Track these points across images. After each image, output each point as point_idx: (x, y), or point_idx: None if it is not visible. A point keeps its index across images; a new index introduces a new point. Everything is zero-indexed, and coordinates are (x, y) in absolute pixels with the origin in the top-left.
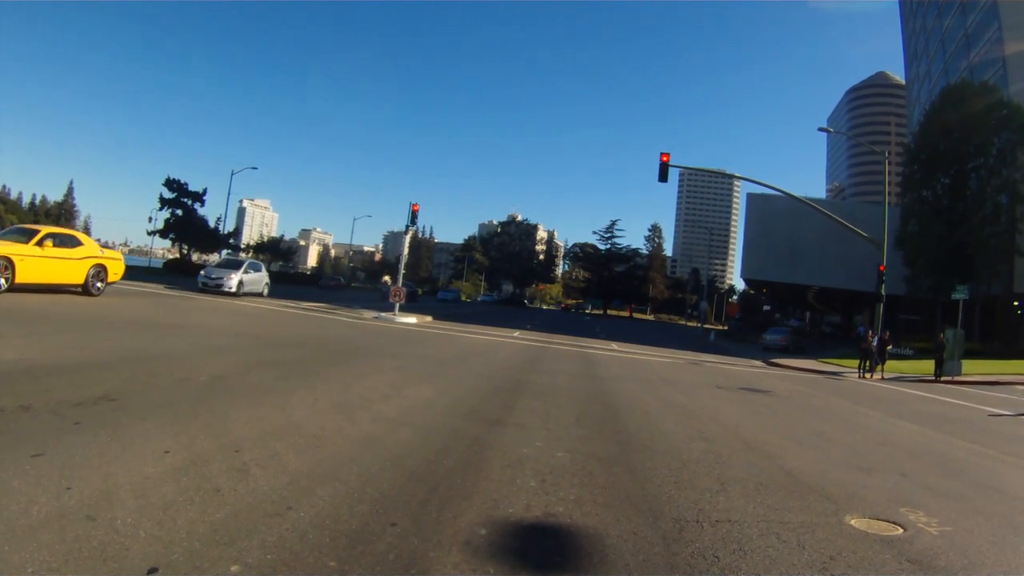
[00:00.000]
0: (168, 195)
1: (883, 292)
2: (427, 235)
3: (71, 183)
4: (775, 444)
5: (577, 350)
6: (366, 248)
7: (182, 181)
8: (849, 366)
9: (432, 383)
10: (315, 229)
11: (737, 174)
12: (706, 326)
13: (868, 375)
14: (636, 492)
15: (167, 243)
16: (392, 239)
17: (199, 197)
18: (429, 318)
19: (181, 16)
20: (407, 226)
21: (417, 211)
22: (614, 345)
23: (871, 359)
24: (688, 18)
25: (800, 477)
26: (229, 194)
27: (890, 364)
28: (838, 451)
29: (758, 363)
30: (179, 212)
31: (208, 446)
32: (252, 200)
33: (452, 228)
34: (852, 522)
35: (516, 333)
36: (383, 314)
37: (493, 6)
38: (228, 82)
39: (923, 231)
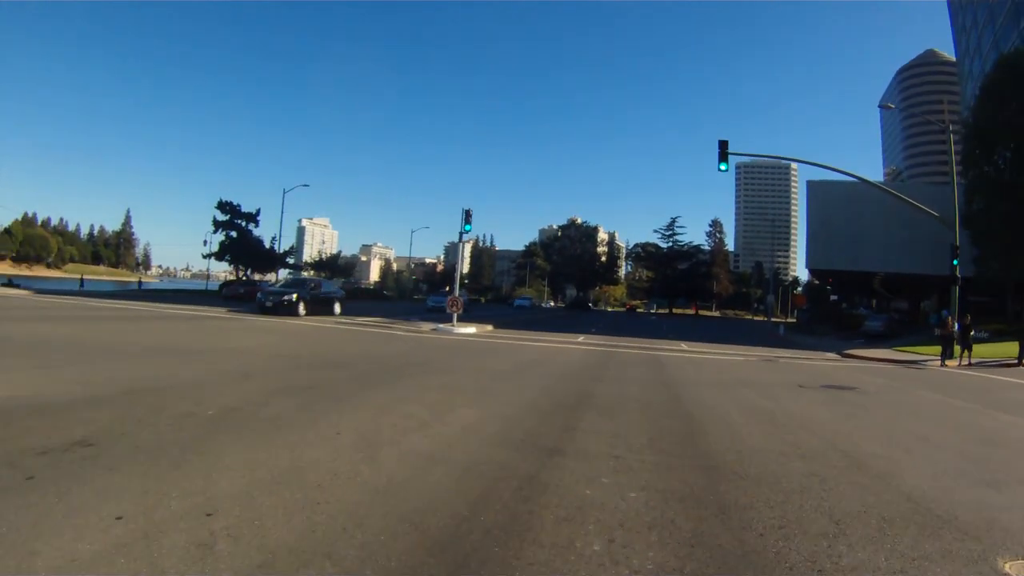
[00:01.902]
0: (222, 217)
1: (958, 273)
2: (488, 243)
3: (128, 211)
4: (881, 456)
5: (645, 353)
6: (427, 260)
7: (235, 203)
8: (926, 353)
9: (481, 403)
10: (376, 244)
11: (795, 158)
12: (774, 319)
13: (950, 362)
14: (734, 547)
15: (225, 266)
16: (452, 249)
17: (253, 218)
18: (490, 327)
19: (224, 41)
20: (461, 232)
21: (471, 215)
22: (683, 345)
23: (952, 345)
24: (735, 14)
25: (924, 502)
26: (283, 212)
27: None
28: (951, 459)
29: (833, 356)
30: (233, 234)
31: (176, 508)
32: (311, 219)
33: (513, 235)
34: (1007, 568)
35: (580, 338)
36: (441, 326)
37: (542, 8)
38: (284, 102)
39: (988, 209)
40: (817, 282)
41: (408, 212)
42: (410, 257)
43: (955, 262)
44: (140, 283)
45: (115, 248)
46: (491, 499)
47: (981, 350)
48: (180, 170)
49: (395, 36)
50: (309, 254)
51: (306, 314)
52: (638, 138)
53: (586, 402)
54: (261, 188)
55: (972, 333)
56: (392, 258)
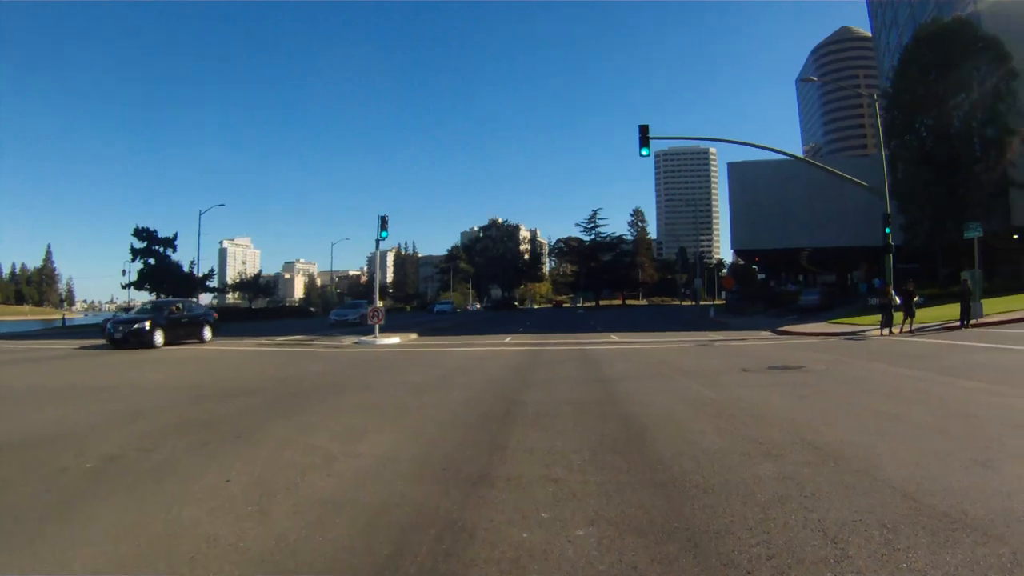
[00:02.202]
0: (139, 245)
1: (891, 241)
2: (410, 250)
3: (48, 247)
4: (853, 444)
5: (575, 348)
6: (351, 272)
7: (152, 229)
8: (863, 323)
9: (399, 424)
10: (298, 261)
11: (717, 138)
12: (702, 303)
13: (894, 330)
14: None
15: (147, 295)
16: (374, 259)
17: (170, 243)
18: (414, 336)
19: (126, 64)
20: (378, 240)
21: (387, 222)
22: (613, 337)
23: (891, 313)
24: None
25: (922, 498)
26: (199, 235)
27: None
28: (929, 438)
29: (768, 333)
30: (151, 261)
31: None
32: (232, 240)
33: (435, 241)
34: None
35: (507, 339)
36: (363, 339)
37: (448, 7)
38: (196, 123)
39: (912, 177)
40: (742, 262)
41: (330, 226)
42: (331, 271)
43: (887, 230)
44: (64, 320)
45: (37, 286)
46: (404, 556)
47: (920, 315)
48: (97, 200)
49: (300, 43)
50: (232, 275)
51: (164, 343)
52: (555, 133)
53: (516, 411)
54: (181, 213)
55: (916, 300)
56: (315, 273)
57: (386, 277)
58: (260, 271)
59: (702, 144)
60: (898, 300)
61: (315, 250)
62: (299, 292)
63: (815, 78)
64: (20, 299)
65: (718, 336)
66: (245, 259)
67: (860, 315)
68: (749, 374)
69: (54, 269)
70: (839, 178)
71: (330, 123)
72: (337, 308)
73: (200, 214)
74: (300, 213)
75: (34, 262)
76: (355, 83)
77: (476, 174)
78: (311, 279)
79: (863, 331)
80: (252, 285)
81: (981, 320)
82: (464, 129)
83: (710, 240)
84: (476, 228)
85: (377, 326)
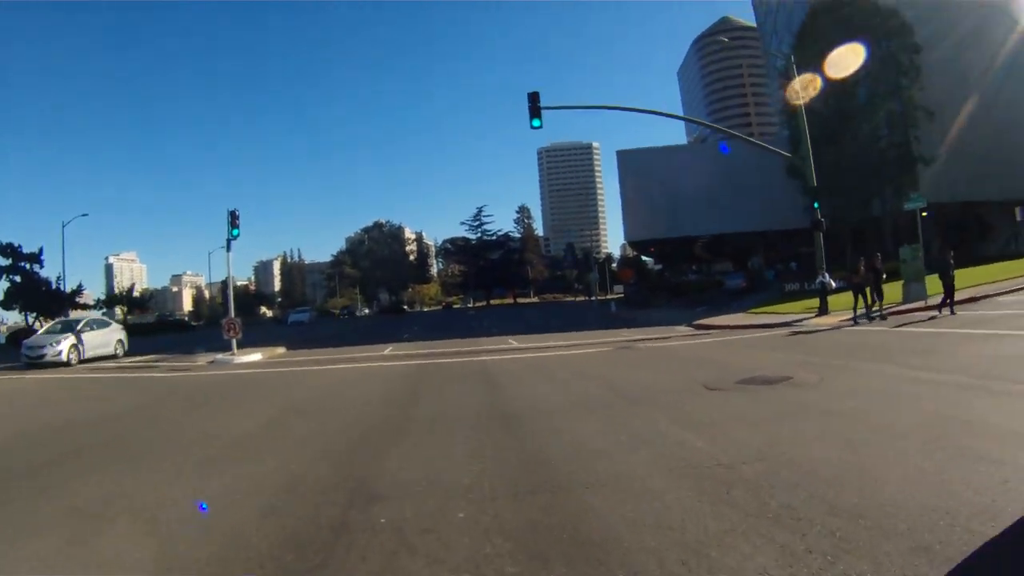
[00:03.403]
0: (3, 262)
1: (820, 217)
2: (296, 258)
3: None
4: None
5: (469, 361)
6: (239, 282)
7: (15, 244)
8: (789, 312)
9: (165, 534)
10: (186, 273)
11: (611, 105)
12: (599, 298)
13: (829, 317)
14: None
15: (15, 315)
16: (262, 268)
17: (36, 258)
18: (281, 350)
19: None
20: (228, 239)
21: (237, 217)
22: (512, 341)
23: (826, 297)
24: None
25: None
26: (64, 247)
27: (836, 301)
28: None
29: (687, 329)
30: (17, 278)
31: None
32: (118, 255)
33: (321, 247)
34: None
35: (387, 349)
36: (220, 356)
37: (313, 7)
38: (58, 130)
39: (816, 155)
40: (634, 254)
41: (215, 238)
42: (209, 283)
43: (816, 205)
44: None
45: None
46: None
47: (844, 300)
48: None
49: (159, 44)
50: (120, 291)
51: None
52: (434, 132)
53: (378, 499)
54: (51, 228)
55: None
56: (203, 285)
57: (274, 286)
58: (133, 284)
59: (584, 140)
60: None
61: (202, 262)
62: (187, 305)
63: (725, 39)
64: None
65: (634, 335)
66: (132, 274)
67: (777, 303)
68: (722, 396)
69: None
70: (732, 163)
71: (207, 136)
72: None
73: (63, 225)
74: (184, 225)
75: None
76: (226, 90)
77: (359, 178)
78: (199, 291)
79: (799, 319)
80: (127, 299)
81: (931, 303)
82: (342, 132)
83: (598, 235)
84: (359, 232)
85: (234, 341)
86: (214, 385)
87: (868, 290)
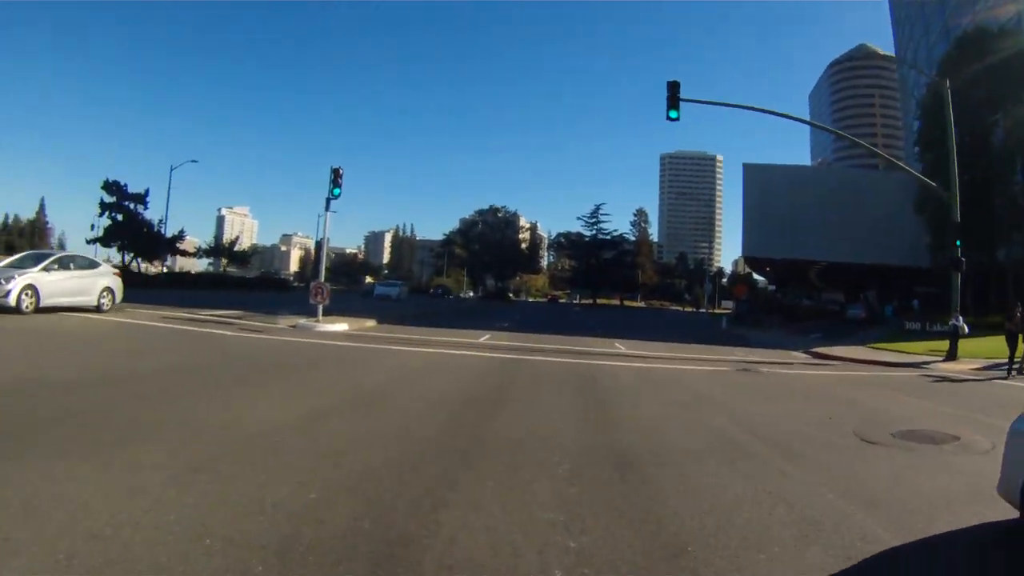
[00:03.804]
0: (108, 199)
1: (960, 255)
2: (408, 233)
3: (42, 200)
4: None
5: (569, 363)
6: (348, 250)
7: (122, 183)
8: (911, 351)
9: None
10: (296, 234)
11: (755, 107)
12: (711, 311)
13: (953, 364)
14: None
15: (114, 253)
16: (372, 239)
17: (141, 199)
18: (371, 322)
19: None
20: (328, 198)
21: (340, 176)
22: (619, 345)
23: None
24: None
25: None
26: (169, 191)
27: (963, 347)
28: None
29: (803, 355)
30: (119, 217)
31: None
32: (231, 208)
33: (434, 225)
34: None
35: (484, 337)
36: (303, 321)
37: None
38: (217, 79)
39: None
40: (747, 272)
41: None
42: (321, 246)
43: (958, 243)
44: None
45: (30, 238)
46: None
47: (971, 347)
48: (92, 155)
49: (312, 19)
50: (226, 241)
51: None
52: (560, 128)
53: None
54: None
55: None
56: (312, 247)
57: (383, 258)
58: (237, 237)
59: (709, 151)
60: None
61: (312, 225)
62: (294, 265)
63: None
64: (10, 250)
65: (750, 356)
66: (243, 228)
67: (898, 340)
68: (886, 454)
69: (46, 222)
70: (856, 191)
71: (337, 104)
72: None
73: (171, 169)
74: (300, 186)
75: (28, 214)
76: (361, 68)
77: (478, 164)
78: (307, 252)
79: (926, 361)
80: (229, 252)
81: None
82: (471, 114)
83: (710, 248)
84: (474, 213)
85: (320, 307)
86: (280, 354)
87: (1021, 338)
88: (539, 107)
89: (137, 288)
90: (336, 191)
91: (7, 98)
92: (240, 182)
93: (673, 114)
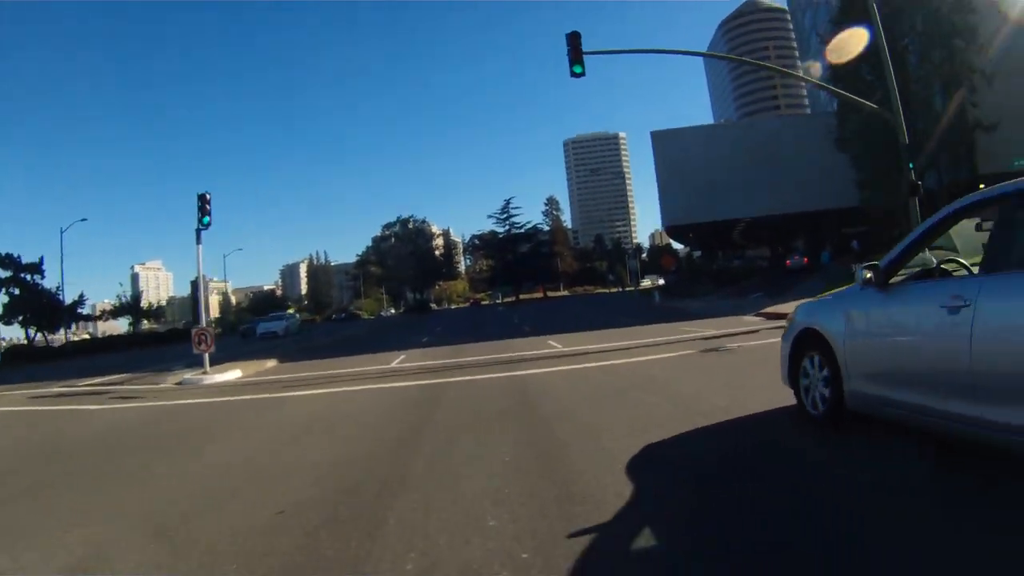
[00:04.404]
0: (3, 274)
1: (913, 177)
2: (323, 260)
3: None
4: None
5: (501, 377)
6: (265, 287)
7: (14, 255)
8: None
9: None
10: (211, 279)
11: (655, 49)
12: (634, 288)
13: None
14: None
15: (16, 328)
16: (288, 272)
17: (37, 268)
18: (271, 363)
19: None
20: (197, 229)
21: (208, 202)
22: (553, 343)
23: None
24: None
25: None
26: (62, 256)
27: None
28: None
29: (758, 320)
30: (15, 291)
31: None
32: (143, 264)
33: (347, 249)
34: None
35: (398, 359)
36: (188, 375)
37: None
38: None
39: (865, 126)
40: (666, 243)
41: (242, 242)
42: (235, 289)
43: (911, 165)
44: None
45: None
46: None
47: None
48: None
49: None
50: (146, 301)
51: None
52: (460, 130)
53: None
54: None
55: None
56: (229, 291)
57: (299, 289)
58: (140, 294)
59: (611, 130)
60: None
61: (226, 268)
62: (215, 311)
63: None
64: None
65: (704, 330)
66: (158, 282)
67: (845, 285)
68: None
69: None
70: (769, 141)
71: (221, 145)
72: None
73: (61, 232)
74: (212, 232)
75: None
76: (245, 95)
77: (385, 180)
78: (225, 297)
79: None
80: (133, 309)
81: None
82: (369, 134)
83: (627, 226)
84: (383, 228)
85: (207, 356)
86: (127, 432)
87: None
88: (431, 112)
89: (38, 362)
90: (205, 219)
91: None
92: (151, 235)
93: (577, 69)
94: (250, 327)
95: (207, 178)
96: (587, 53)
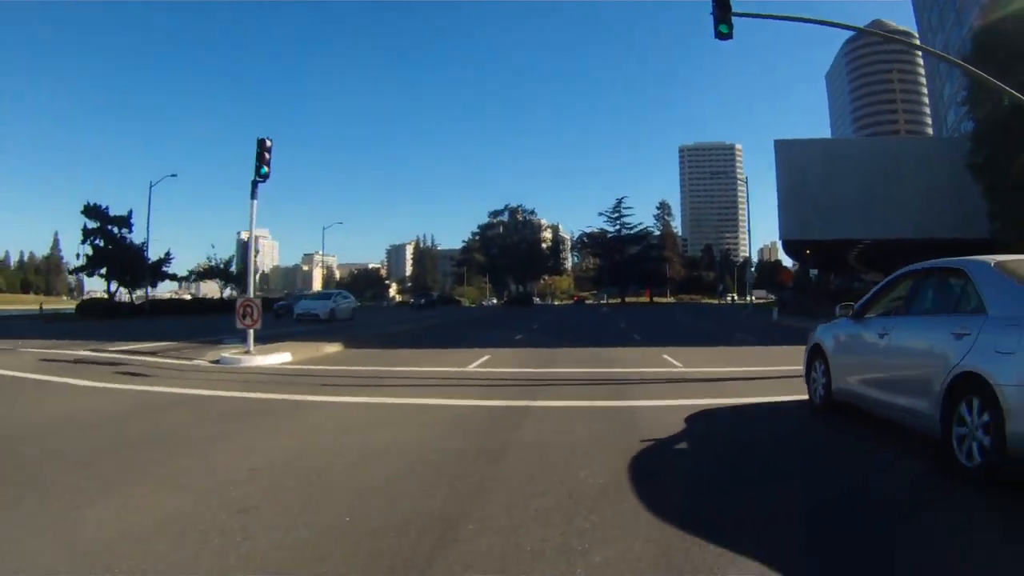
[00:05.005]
0: (91, 225)
1: None
2: (429, 244)
3: (56, 235)
4: None
5: (607, 408)
6: (370, 265)
7: (102, 206)
8: None
9: None
10: (317, 253)
11: (816, 19)
12: (748, 302)
13: None
14: None
15: (99, 280)
16: (394, 252)
17: (124, 222)
18: (334, 347)
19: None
20: (254, 180)
21: (268, 151)
22: (670, 357)
23: None
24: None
25: None
26: (149, 210)
27: None
28: None
29: None
30: (100, 243)
31: None
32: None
33: (456, 236)
34: None
35: (480, 359)
36: (226, 354)
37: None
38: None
39: (1002, 154)
40: (775, 260)
41: (351, 217)
42: (340, 264)
43: None
44: (41, 308)
45: (45, 275)
46: None
47: None
48: (104, 188)
49: (304, 34)
50: (219, 262)
51: None
52: (577, 126)
53: None
54: (184, 203)
55: None
56: (335, 266)
57: (405, 271)
58: (232, 258)
59: (727, 140)
60: None
61: (333, 243)
62: (317, 284)
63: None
64: (26, 288)
65: None
66: (263, 251)
67: None
68: None
69: (61, 258)
70: (895, 160)
71: (343, 115)
72: (302, 299)
73: (151, 185)
74: (318, 206)
75: (42, 251)
76: (366, 75)
77: (495, 170)
78: (329, 271)
79: None
80: (223, 273)
81: None
82: (489, 123)
83: (736, 238)
84: (490, 216)
85: (251, 332)
86: (65, 432)
87: None
88: (553, 107)
89: (111, 318)
90: (263, 169)
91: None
92: (262, 203)
93: (723, 28)
94: (286, 304)
95: (315, 152)
96: (736, 15)
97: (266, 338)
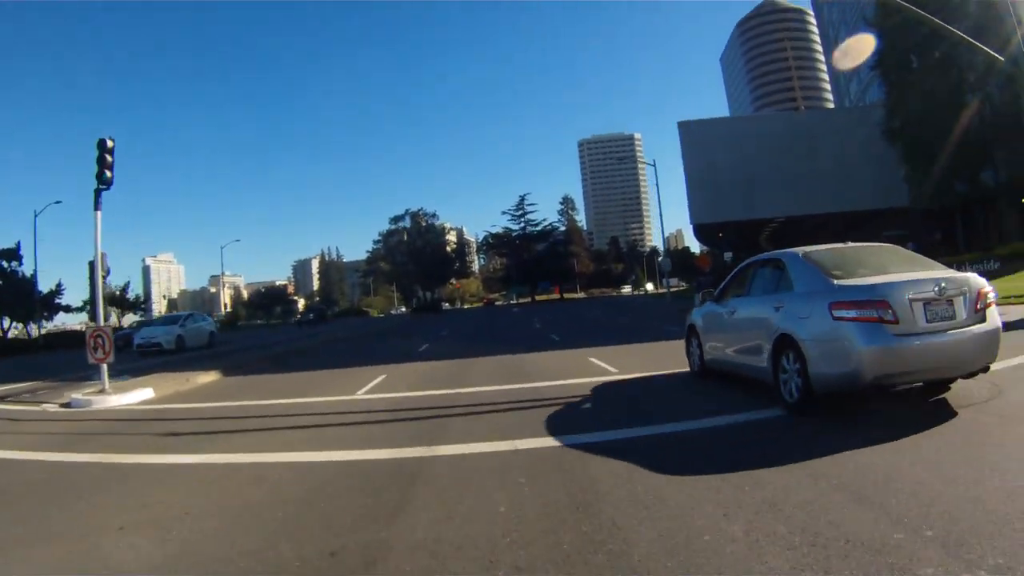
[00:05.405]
0: None
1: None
2: (335, 257)
3: None
4: None
5: (538, 452)
6: (277, 282)
7: None
8: None
9: None
10: (223, 274)
11: None
12: (659, 290)
13: None
14: None
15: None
16: (300, 268)
17: (13, 254)
18: (211, 376)
19: None
20: (97, 189)
21: (111, 150)
22: (596, 360)
23: None
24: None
25: None
26: (35, 242)
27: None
28: None
29: None
30: None
31: None
32: (155, 257)
33: (362, 246)
34: None
35: (371, 383)
36: (77, 395)
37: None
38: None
39: (916, 120)
40: (687, 245)
41: (256, 238)
42: (247, 284)
43: None
44: None
45: None
46: None
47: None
48: None
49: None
50: (157, 293)
51: None
52: (473, 129)
53: None
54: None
55: None
56: (242, 285)
57: (312, 285)
58: (127, 284)
59: (626, 131)
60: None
61: (239, 263)
62: (229, 307)
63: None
64: None
65: None
66: (170, 275)
67: None
68: None
69: None
70: (806, 134)
71: (242, 134)
72: (144, 326)
73: (35, 215)
74: (223, 228)
75: None
76: (258, 90)
77: (397, 177)
78: (237, 291)
79: None
80: (119, 300)
81: None
82: (389, 132)
83: (641, 228)
84: (390, 222)
85: (104, 367)
86: None
87: None
88: (448, 110)
89: (4, 356)
90: (106, 175)
91: None
92: (164, 228)
93: None
94: (126, 334)
95: (219, 172)
96: None
97: (140, 370)
